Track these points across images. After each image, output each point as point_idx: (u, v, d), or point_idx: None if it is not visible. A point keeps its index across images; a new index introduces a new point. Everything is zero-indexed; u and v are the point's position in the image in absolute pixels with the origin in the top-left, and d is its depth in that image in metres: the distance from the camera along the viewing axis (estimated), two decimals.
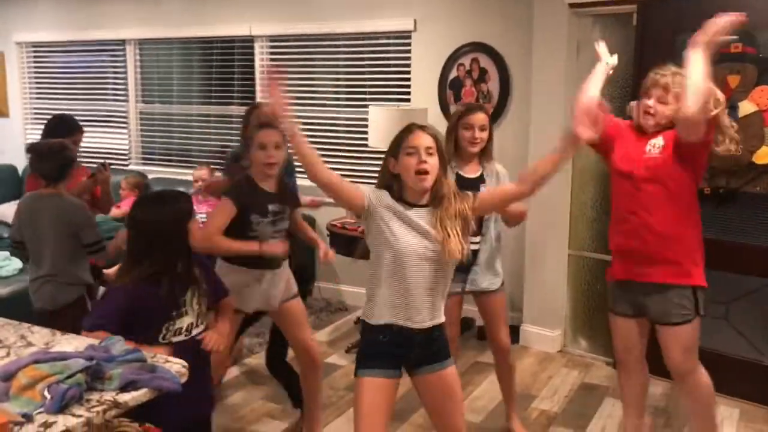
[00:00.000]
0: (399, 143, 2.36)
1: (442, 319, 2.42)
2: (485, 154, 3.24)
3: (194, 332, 2.42)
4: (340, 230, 4.62)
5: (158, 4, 6.02)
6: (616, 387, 3.77)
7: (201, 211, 5.02)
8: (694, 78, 2.50)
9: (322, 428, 3.44)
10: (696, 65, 2.51)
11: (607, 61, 2.92)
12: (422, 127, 2.39)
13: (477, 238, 3.18)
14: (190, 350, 2.31)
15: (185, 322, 2.39)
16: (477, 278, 3.25)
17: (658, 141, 2.75)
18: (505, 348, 3.37)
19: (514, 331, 4.45)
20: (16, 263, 4.61)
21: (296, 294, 3.22)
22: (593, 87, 2.86)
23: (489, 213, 2.68)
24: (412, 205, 2.34)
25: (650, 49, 3.96)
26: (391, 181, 2.37)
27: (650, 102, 2.77)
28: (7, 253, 4.75)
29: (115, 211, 4.75)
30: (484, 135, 3.19)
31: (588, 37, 4.30)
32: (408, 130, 2.38)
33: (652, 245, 2.73)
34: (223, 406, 3.73)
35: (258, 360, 4.30)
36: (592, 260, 4.44)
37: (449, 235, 2.27)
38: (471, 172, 3.21)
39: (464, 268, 3.12)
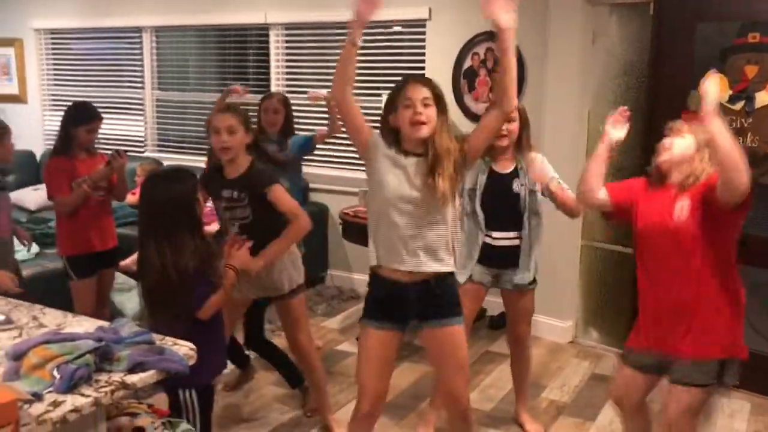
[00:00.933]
0: (396, 96, 2.43)
1: (445, 270, 2.45)
2: (519, 146, 3.15)
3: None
4: (352, 218, 4.63)
5: None
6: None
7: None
8: (727, 151, 2.18)
9: (334, 413, 3.45)
10: (722, 137, 2.20)
11: (612, 137, 2.61)
12: (419, 80, 2.45)
13: (513, 234, 3.13)
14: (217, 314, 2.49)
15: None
16: (510, 273, 3.19)
17: (685, 202, 2.42)
18: (525, 342, 3.37)
19: None
20: (33, 247, 4.67)
21: (296, 290, 3.15)
22: (597, 168, 2.61)
23: (482, 148, 2.55)
24: (407, 153, 2.41)
25: (668, 39, 3.92)
26: (390, 136, 2.44)
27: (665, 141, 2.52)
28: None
29: (130, 198, 4.79)
30: (513, 127, 3.07)
31: (604, 26, 4.27)
32: (405, 82, 2.45)
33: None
34: (234, 391, 3.77)
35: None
36: (605, 251, 4.42)
37: (439, 176, 2.33)
38: (504, 167, 3.12)
39: (498, 263, 3.13)
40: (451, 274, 2.50)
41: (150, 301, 2.43)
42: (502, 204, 3.12)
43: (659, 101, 4.00)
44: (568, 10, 4.22)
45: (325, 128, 4.26)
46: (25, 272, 4.37)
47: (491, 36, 4.72)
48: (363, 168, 5.05)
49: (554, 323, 4.51)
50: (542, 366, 4.16)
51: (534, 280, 3.26)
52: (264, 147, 3.84)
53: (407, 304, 2.46)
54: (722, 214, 2.32)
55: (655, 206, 2.49)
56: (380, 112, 4.78)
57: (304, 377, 3.46)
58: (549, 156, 4.30)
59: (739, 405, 3.66)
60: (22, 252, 4.60)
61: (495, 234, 3.13)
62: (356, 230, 4.52)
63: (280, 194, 2.92)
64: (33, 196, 5.89)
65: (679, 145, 2.45)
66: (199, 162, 5.80)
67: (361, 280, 5.40)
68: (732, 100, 3.72)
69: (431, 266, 2.43)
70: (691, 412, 2.45)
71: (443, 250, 2.44)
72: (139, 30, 6.32)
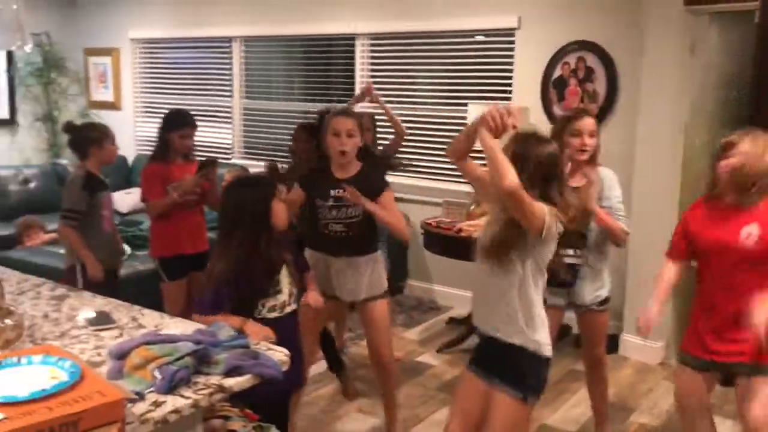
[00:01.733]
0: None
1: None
2: (589, 160, 3.04)
3: (287, 310, 2.56)
4: (434, 229, 4.58)
5: (264, 3, 6.17)
6: (722, 404, 3.59)
7: None
8: None
9: (413, 426, 3.42)
10: None
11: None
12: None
13: (572, 251, 3.00)
14: (283, 327, 2.43)
15: (279, 299, 2.53)
16: (580, 292, 3.08)
17: (753, 229, 2.44)
18: (601, 363, 3.26)
19: (613, 340, 4.31)
20: (126, 249, 4.82)
21: (379, 296, 3.13)
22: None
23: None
24: None
25: None
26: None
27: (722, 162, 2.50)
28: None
29: None
30: (593, 142, 2.97)
31: (704, 36, 4.10)
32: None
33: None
34: (313, 398, 3.78)
35: (348, 354, 4.34)
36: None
37: None
38: (575, 181, 3.00)
39: (566, 282, 3.02)
40: None
41: None
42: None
43: (762, 115, 3.80)
44: (666, 19, 4.08)
45: (392, 138, 4.27)
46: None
47: (582, 45, 4.62)
48: (446, 179, 5.01)
49: (643, 343, 4.33)
50: (630, 387, 4.01)
51: (606, 300, 3.14)
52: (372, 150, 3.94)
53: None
54: None
55: (718, 226, 2.51)
56: (465, 121, 4.75)
57: (382, 387, 3.39)
58: (642, 171, 4.20)
59: None
60: None
61: (563, 251, 3.02)
62: (438, 241, 4.48)
63: (390, 200, 3.02)
64: (125, 200, 6.12)
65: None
66: (284, 169, 5.90)
67: (441, 291, 5.36)
68: None
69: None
70: None
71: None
72: (229, 40, 6.49)
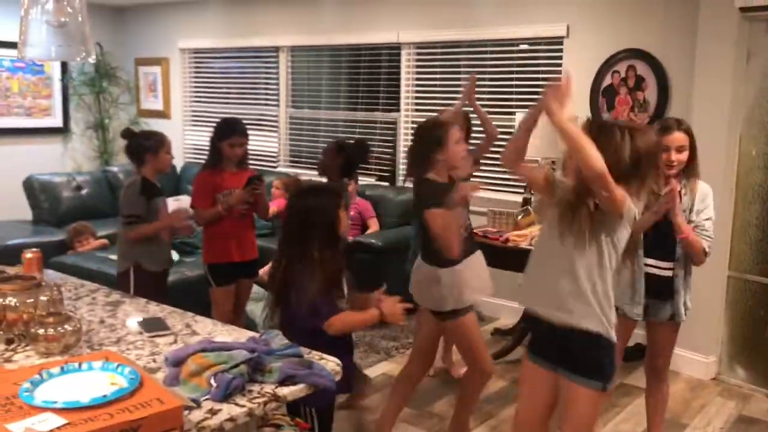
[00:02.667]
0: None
1: None
2: (687, 173, 2.95)
3: None
4: (480, 239, 4.52)
5: (310, 13, 6.23)
6: None
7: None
8: None
9: None
10: None
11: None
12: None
13: (666, 264, 2.97)
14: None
15: (343, 303, 2.53)
16: (661, 306, 3.02)
17: None
18: (663, 374, 3.18)
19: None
20: (174, 255, 4.89)
21: (459, 311, 3.06)
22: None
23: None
24: None
25: None
26: None
27: None
28: None
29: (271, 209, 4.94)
30: (683, 157, 2.88)
31: (760, 43, 4.00)
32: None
33: None
34: (359, 408, 3.77)
35: (395, 365, 4.32)
36: (755, 284, 4.11)
37: None
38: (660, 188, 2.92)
39: (663, 294, 2.98)
40: None
41: (271, 312, 2.51)
42: (656, 231, 2.93)
43: None
44: (720, 26, 3.98)
45: (483, 139, 4.05)
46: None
47: (632, 53, 4.55)
48: (492, 188, 4.93)
49: (696, 358, 4.23)
50: (683, 403, 3.92)
51: (680, 315, 3.06)
52: None
53: None
54: None
55: None
56: (512, 130, 4.72)
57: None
58: None
59: None
60: None
61: (649, 261, 2.98)
62: (484, 251, 4.41)
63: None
64: (173, 206, 6.18)
65: None
66: None
67: (486, 302, 5.28)
68: None
69: None
70: None
71: None
72: (276, 49, 6.56)
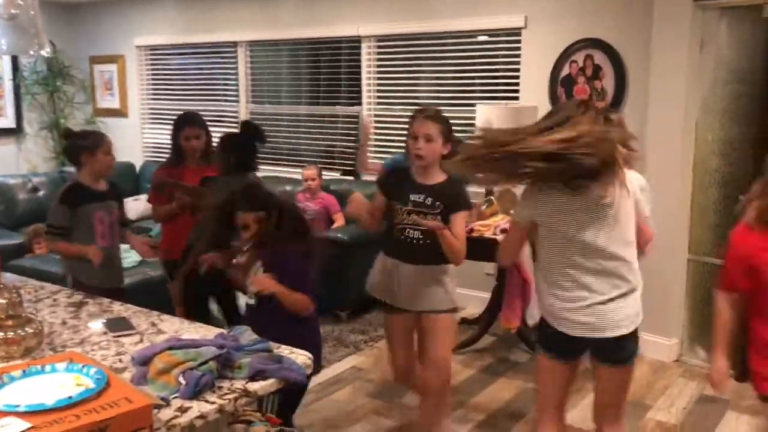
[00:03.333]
0: None
1: None
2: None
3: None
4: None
5: (269, 8, 6.17)
6: (739, 400, 3.57)
7: (308, 209, 5.14)
8: None
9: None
10: None
11: None
12: None
13: None
14: (257, 314, 2.60)
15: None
16: None
17: None
18: None
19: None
20: (135, 256, 4.82)
21: (444, 310, 2.97)
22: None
23: None
24: None
25: None
26: None
27: None
28: (126, 246, 4.97)
29: None
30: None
31: (714, 31, 4.09)
32: None
33: None
34: (330, 401, 3.77)
35: (365, 358, 4.33)
36: (714, 266, 4.21)
37: None
38: None
39: None
40: None
41: None
42: None
43: None
44: (675, 14, 4.05)
45: None
46: (128, 280, 4.53)
47: (590, 43, 4.61)
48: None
49: (658, 340, 4.32)
50: (647, 385, 3.99)
51: None
52: None
53: None
54: None
55: None
56: (474, 121, 4.72)
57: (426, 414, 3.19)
58: (653, 170, 4.17)
59: None
60: (128, 259, 4.77)
61: None
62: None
63: (462, 223, 2.86)
64: (133, 207, 6.11)
65: None
66: (292, 174, 5.91)
67: (464, 295, 5.22)
68: None
69: None
70: None
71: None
72: (234, 45, 6.49)
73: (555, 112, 2.35)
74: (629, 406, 3.48)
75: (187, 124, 3.72)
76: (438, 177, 2.89)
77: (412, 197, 2.87)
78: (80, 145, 3.28)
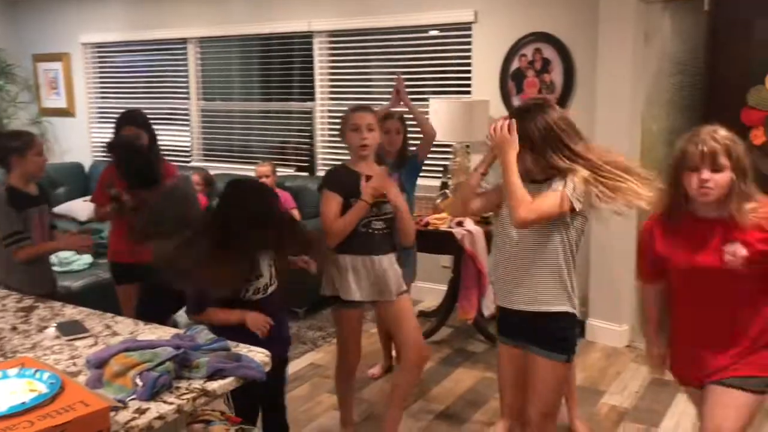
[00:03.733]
0: None
1: None
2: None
3: (269, 290, 2.65)
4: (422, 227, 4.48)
5: (218, 3, 6.10)
6: None
7: None
8: None
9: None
10: None
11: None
12: None
13: None
14: (263, 306, 2.59)
15: (261, 282, 2.60)
16: None
17: (738, 249, 2.14)
18: None
19: (579, 326, 4.38)
20: (86, 258, 4.74)
21: (406, 290, 3.14)
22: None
23: None
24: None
25: (724, 36, 3.85)
26: None
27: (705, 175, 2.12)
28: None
29: None
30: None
31: (657, 24, 4.20)
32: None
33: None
34: (290, 398, 3.75)
35: (323, 354, 4.33)
36: None
37: None
38: None
39: None
40: None
41: None
42: None
43: (715, 100, 3.92)
44: (619, 8, 4.15)
45: (421, 140, 3.78)
46: (80, 282, 4.46)
47: (538, 37, 4.68)
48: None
49: (610, 327, 4.43)
50: (600, 371, 4.09)
51: None
52: None
53: None
54: None
55: (693, 244, 2.20)
56: (427, 116, 4.72)
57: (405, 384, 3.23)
58: None
59: None
60: (78, 262, 4.68)
61: None
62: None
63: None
64: (83, 207, 5.99)
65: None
66: (246, 171, 5.86)
67: (421, 288, 5.26)
68: None
69: None
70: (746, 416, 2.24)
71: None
72: (183, 41, 6.40)
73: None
74: (584, 392, 3.59)
75: (125, 122, 3.63)
76: (375, 165, 3.02)
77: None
78: (9, 147, 3.16)
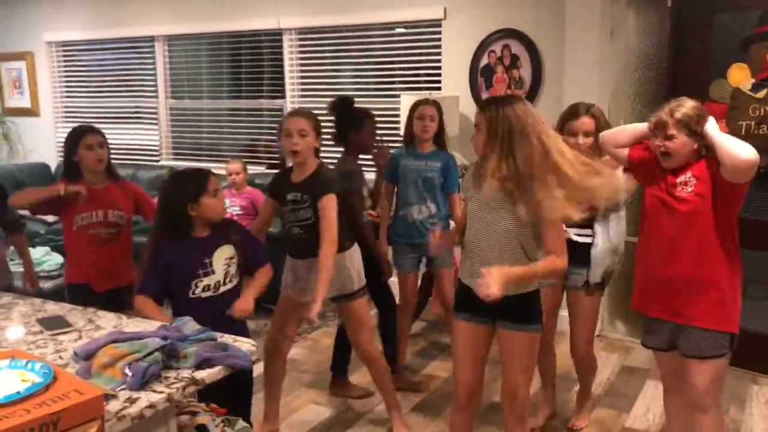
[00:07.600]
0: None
1: None
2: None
3: (222, 290, 2.61)
4: (374, 218, 4.57)
5: (186, 0, 6.07)
6: (657, 369, 3.78)
7: (235, 205, 5.08)
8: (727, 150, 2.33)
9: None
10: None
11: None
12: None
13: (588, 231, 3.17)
14: (214, 305, 2.56)
15: (212, 280, 2.58)
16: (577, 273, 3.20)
17: (689, 179, 2.46)
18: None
19: None
20: (57, 258, 4.68)
21: (352, 294, 3.12)
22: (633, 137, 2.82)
23: None
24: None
25: (686, 31, 3.97)
26: None
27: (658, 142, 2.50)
28: (47, 248, 4.83)
29: None
30: (588, 141, 3.02)
31: (622, 20, 4.30)
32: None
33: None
34: None
35: (300, 349, 4.35)
36: (630, 244, 4.42)
37: None
38: None
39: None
40: None
41: None
42: None
43: (679, 94, 3.98)
44: (585, 4, 4.25)
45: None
46: (52, 283, 4.41)
47: (507, 33, 4.76)
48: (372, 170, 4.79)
49: None
50: (571, 360, 4.17)
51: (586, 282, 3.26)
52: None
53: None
54: (727, 186, 2.36)
55: (658, 180, 2.55)
56: (398, 113, 4.78)
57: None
58: None
59: None
60: (49, 262, 4.63)
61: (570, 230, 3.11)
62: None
63: (329, 205, 2.89)
64: None
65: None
66: (216, 169, 5.82)
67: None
68: (755, 88, 3.75)
69: None
70: (716, 382, 2.53)
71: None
72: (151, 39, 6.35)
73: None
74: (557, 381, 3.67)
75: (89, 133, 3.29)
76: (308, 171, 2.98)
77: (289, 197, 2.99)
78: None
